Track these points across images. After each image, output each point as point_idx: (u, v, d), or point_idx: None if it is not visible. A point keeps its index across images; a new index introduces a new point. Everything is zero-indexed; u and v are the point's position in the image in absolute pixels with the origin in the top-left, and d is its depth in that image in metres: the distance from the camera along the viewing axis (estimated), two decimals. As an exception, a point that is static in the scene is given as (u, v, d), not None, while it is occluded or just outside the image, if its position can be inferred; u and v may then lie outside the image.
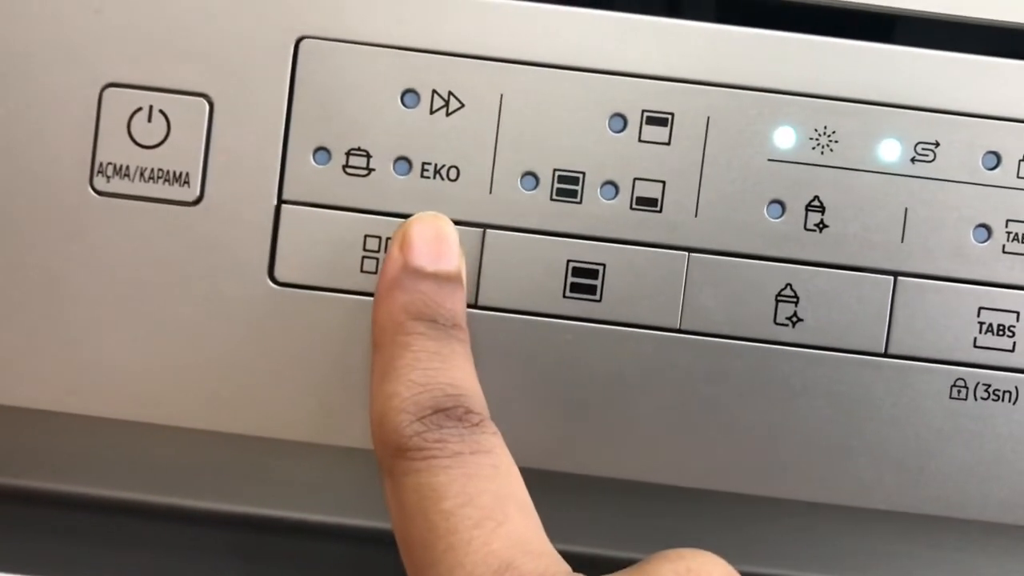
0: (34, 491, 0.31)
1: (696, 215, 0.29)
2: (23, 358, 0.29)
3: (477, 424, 0.25)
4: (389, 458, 0.25)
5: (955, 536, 0.31)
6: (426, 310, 0.27)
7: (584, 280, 0.30)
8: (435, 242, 0.28)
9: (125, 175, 0.29)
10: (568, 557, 0.31)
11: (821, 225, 0.29)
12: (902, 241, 0.29)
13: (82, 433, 0.30)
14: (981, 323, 0.30)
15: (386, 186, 0.29)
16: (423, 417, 0.25)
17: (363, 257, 0.29)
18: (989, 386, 0.30)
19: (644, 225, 0.29)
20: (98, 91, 0.29)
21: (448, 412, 0.25)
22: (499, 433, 0.26)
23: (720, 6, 0.31)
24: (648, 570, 0.23)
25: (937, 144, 0.29)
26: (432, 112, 0.29)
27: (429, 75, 0.29)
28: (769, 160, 0.29)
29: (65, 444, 0.31)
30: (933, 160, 0.29)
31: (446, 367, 0.26)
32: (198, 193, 0.29)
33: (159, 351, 0.29)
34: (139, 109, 0.29)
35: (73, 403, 0.30)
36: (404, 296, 0.27)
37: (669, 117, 0.29)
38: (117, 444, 0.31)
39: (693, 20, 0.29)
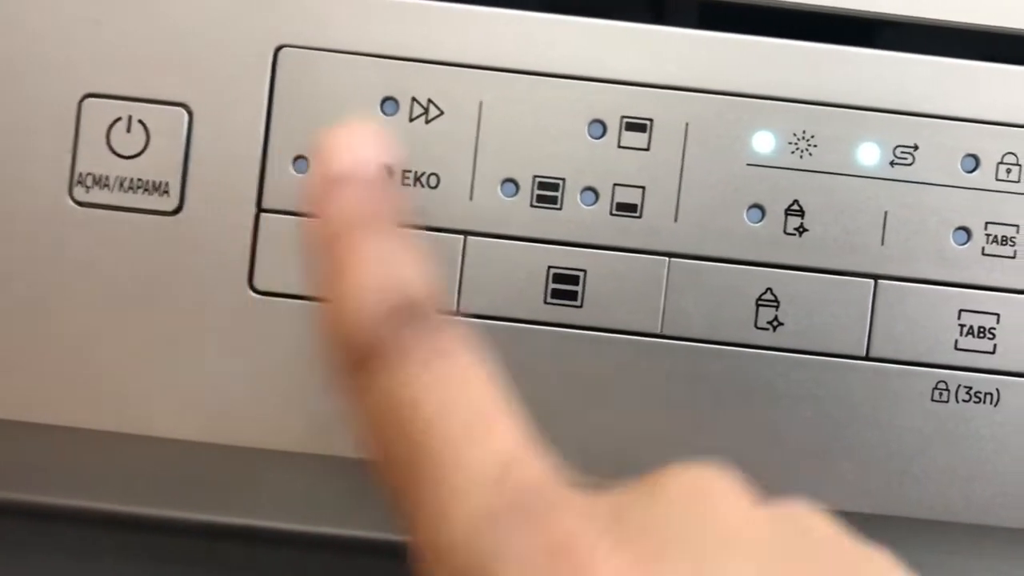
0: (16, 504, 0.31)
1: (676, 220, 0.29)
2: (3, 370, 0.29)
3: (440, 325, 0.22)
4: (350, 368, 0.22)
5: (939, 538, 0.31)
6: (366, 214, 0.23)
7: (565, 286, 0.30)
8: (352, 144, 0.24)
9: (105, 185, 0.29)
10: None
11: (801, 229, 0.29)
12: (882, 244, 0.29)
13: (64, 445, 0.30)
14: (962, 325, 0.30)
15: (366, 194, 0.29)
16: (380, 323, 0.21)
17: (343, 265, 0.29)
18: (970, 388, 0.30)
19: (624, 231, 0.29)
20: (77, 101, 0.29)
21: (407, 313, 0.22)
22: (463, 327, 0.23)
23: (699, 12, 0.31)
24: (656, 481, 0.22)
25: (916, 147, 0.29)
26: (412, 120, 0.29)
27: (408, 83, 0.29)
28: (748, 165, 0.29)
29: (46, 456, 0.31)
30: (912, 163, 0.29)
31: (397, 267, 0.23)
32: (177, 203, 0.29)
33: (139, 361, 0.29)
34: (118, 119, 0.29)
35: (54, 415, 0.29)
36: (335, 207, 0.23)
37: (648, 123, 0.29)
38: (99, 455, 0.30)
39: (672, 26, 0.29)
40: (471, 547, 0.20)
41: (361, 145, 0.24)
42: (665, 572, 0.19)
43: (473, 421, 0.21)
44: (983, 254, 0.29)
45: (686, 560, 0.19)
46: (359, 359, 0.22)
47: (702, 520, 0.21)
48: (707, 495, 0.21)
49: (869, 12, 0.30)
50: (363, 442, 0.22)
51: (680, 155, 0.29)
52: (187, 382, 0.29)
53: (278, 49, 0.29)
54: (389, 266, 0.23)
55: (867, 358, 0.30)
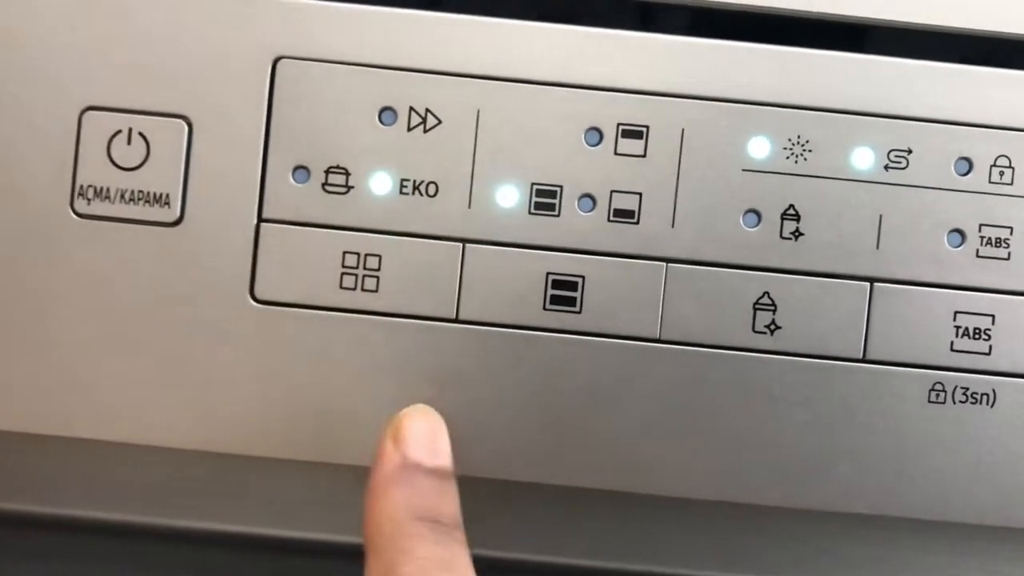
0: (17, 514, 0.31)
1: (673, 226, 0.30)
2: (5, 380, 0.30)
3: None
4: None
5: (937, 539, 0.31)
6: (429, 510, 0.26)
7: (564, 292, 0.30)
8: (430, 437, 0.28)
9: (106, 197, 0.30)
10: (555, 569, 0.32)
11: (797, 233, 0.30)
12: (877, 247, 0.30)
13: (66, 454, 0.30)
14: (957, 327, 0.30)
15: (365, 203, 0.29)
16: None
17: (342, 273, 0.29)
18: (967, 389, 0.30)
19: (622, 237, 0.30)
20: (77, 114, 0.29)
21: None
22: None
23: (693, 19, 0.31)
24: None
25: (910, 151, 0.30)
26: (410, 129, 0.30)
27: (406, 92, 0.29)
28: (744, 170, 0.30)
29: (48, 466, 0.31)
30: (906, 167, 0.30)
31: (454, 568, 0.25)
32: (178, 214, 0.30)
33: (142, 371, 0.30)
34: (119, 131, 0.29)
35: (57, 425, 0.30)
36: (402, 492, 0.26)
37: (644, 130, 0.30)
38: (102, 465, 0.31)
39: (666, 33, 0.30)
40: None
41: (442, 438, 0.28)
42: None
43: None
44: (978, 256, 0.30)
45: None
46: None
47: None
48: None
49: (861, 18, 0.30)
50: None
51: (676, 161, 0.30)
52: (190, 392, 0.30)
53: (276, 60, 0.29)
54: (441, 570, 0.25)
55: (864, 360, 0.30)
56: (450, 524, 0.27)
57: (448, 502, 0.27)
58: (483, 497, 0.29)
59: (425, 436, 0.28)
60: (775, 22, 0.30)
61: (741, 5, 0.30)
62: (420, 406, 0.29)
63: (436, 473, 0.27)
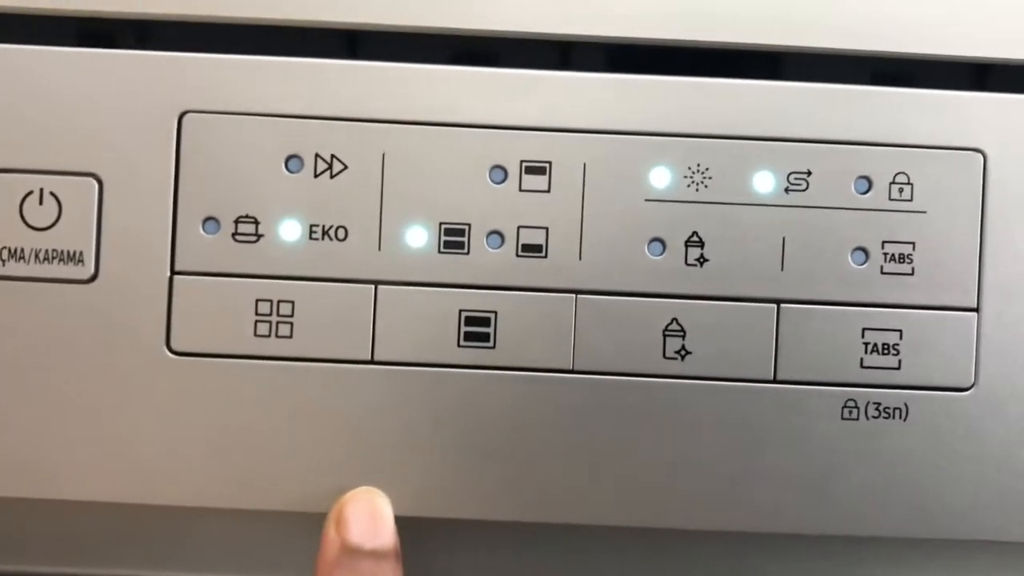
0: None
1: (580, 258, 0.30)
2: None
3: None
4: None
5: (858, 554, 0.32)
6: None
7: (477, 328, 0.30)
8: (370, 519, 0.29)
9: (20, 258, 0.30)
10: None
11: (702, 259, 0.30)
12: (782, 269, 0.30)
13: (-10, 514, 0.31)
14: (866, 343, 0.30)
15: (275, 250, 0.30)
16: None
17: (256, 321, 0.30)
18: (879, 404, 0.30)
19: (531, 271, 0.30)
20: (-11, 177, 0.30)
21: None
22: None
23: (603, 56, 0.31)
24: None
25: (809, 173, 0.30)
26: (316, 175, 0.30)
27: (311, 140, 0.30)
28: (647, 200, 0.30)
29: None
30: (807, 188, 0.30)
31: None
32: (92, 271, 0.30)
33: (62, 427, 0.30)
34: (30, 192, 0.30)
35: (-23, 486, 0.30)
36: (345, 573, 0.28)
37: (547, 165, 0.30)
38: (24, 522, 0.31)
39: (564, 70, 0.30)
40: None
41: (383, 519, 0.29)
42: None
43: None
44: (882, 272, 0.30)
45: None
46: None
47: None
48: None
49: (753, 44, 0.31)
50: None
51: (580, 195, 0.30)
52: (109, 445, 0.30)
53: (182, 115, 0.30)
54: None
55: (775, 381, 0.30)
56: None
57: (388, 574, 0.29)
58: (406, 536, 0.30)
59: (365, 518, 0.29)
60: (669, 53, 0.31)
61: (629, 38, 0.31)
62: (363, 489, 0.30)
63: (376, 555, 0.29)
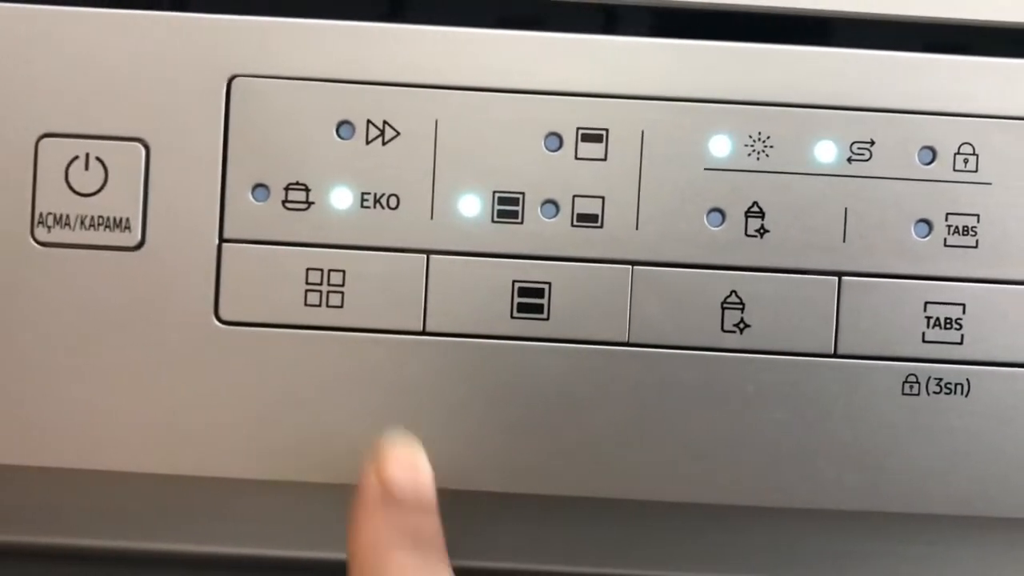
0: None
1: (637, 228, 0.29)
2: (-30, 414, 0.29)
3: None
4: None
5: (917, 531, 0.31)
6: (409, 537, 0.27)
7: (530, 300, 0.30)
8: (410, 466, 0.28)
9: (66, 224, 0.29)
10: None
11: (762, 230, 0.29)
12: (844, 241, 0.29)
13: (35, 484, 0.30)
14: (928, 318, 0.30)
15: (326, 219, 0.29)
16: None
17: (306, 291, 0.29)
18: (940, 380, 0.30)
19: (586, 241, 0.29)
20: (34, 141, 0.29)
21: None
22: None
23: (651, 20, 0.31)
24: None
25: (872, 142, 0.29)
26: (368, 142, 0.29)
27: (362, 106, 0.29)
28: (706, 169, 0.29)
29: (16, 496, 0.31)
30: (869, 159, 0.29)
31: None
32: (139, 238, 0.29)
33: (109, 399, 0.29)
34: (76, 157, 0.29)
35: (24, 455, 0.29)
36: (383, 522, 0.27)
37: (604, 133, 0.29)
38: (71, 493, 0.30)
39: (622, 35, 0.30)
40: None
41: (421, 467, 0.28)
42: None
43: None
44: (945, 245, 0.30)
45: None
46: None
47: None
48: None
49: (818, 10, 0.30)
50: None
51: (637, 163, 0.29)
52: (157, 416, 0.29)
53: (231, 79, 0.29)
54: None
55: (835, 355, 0.30)
56: (431, 549, 0.27)
57: (428, 528, 0.27)
58: (458, 510, 0.29)
59: (405, 465, 0.28)
60: (732, 19, 0.30)
61: (698, 4, 0.30)
62: (400, 433, 0.29)
63: (416, 501, 0.27)
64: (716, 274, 0.29)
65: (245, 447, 0.30)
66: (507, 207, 0.29)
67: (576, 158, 0.29)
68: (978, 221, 0.29)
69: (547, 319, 0.30)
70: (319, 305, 0.29)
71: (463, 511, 0.29)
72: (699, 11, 0.30)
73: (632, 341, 0.30)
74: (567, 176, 0.29)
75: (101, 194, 0.29)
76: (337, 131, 0.29)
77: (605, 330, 0.30)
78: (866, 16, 0.30)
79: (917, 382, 0.30)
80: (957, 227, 0.30)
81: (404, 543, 0.26)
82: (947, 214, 0.29)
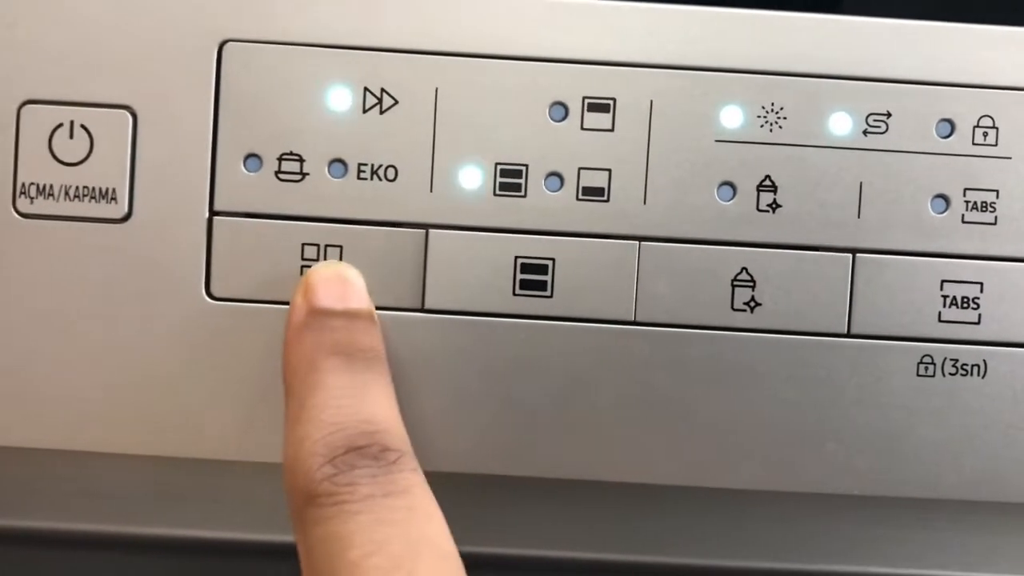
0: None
1: (645, 202, 0.28)
2: (-51, 392, 0.28)
3: (394, 462, 0.24)
4: (299, 507, 0.23)
5: (931, 515, 0.30)
6: (340, 345, 0.26)
7: (534, 276, 0.29)
8: (339, 283, 0.27)
9: (49, 195, 0.28)
10: (531, 561, 0.31)
11: (774, 205, 0.28)
12: (859, 216, 0.28)
13: (18, 465, 0.29)
14: (945, 296, 0.29)
15: (322, 190, 0.28)
16: (335, 458, 0.23)
17: (302, 266, 0.28)
18: (956, 361, 0.29)
19: (592, 216, 0.28)
20: (16, 108, 0.28)
21: (362, 450, 0.23)
22: (419, 470, 0.24)
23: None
24: None
25: (889, 114, 0.28)
26: (365, 111, 0.28)
27: (360, 72, 0.28)
28: (716, 141, 0.28)
29: (1, 478, 0.30)
30: (886, 131, 0.28)
31: (362, 402, 0.25)
32: (126, 209, 0.28)
33: (95, 376, 0.28)
34: (60, 125, 0.28)
35: (6, 436, 0.28)
36: (312, 336, 0.26)
37: (611, 103, 0.28)
38: (55, 474, 0.29)
39: (630, 1, 0.28)
40: None
41: (353, 284, 0.27)
42: None
43: (391, 569, 0.21)
44: (963, 222, 0.29)
45: None
46: (310, 496, 0.23)
47: None
48: None
49: (834, -23, 0.29)
50: (302, 568, 0.23)
51: (646, 134, 0.28)
52: (146, 395, 0.28)
53: (222, 44, 0.28)
54: (354, 394, 0.25)
55: (849, 335, 0.29)
56: (364, 356, 0.26)
57: (363, 336, 0.26)
58: (458, 493, 0.28)
59: (333, 283, 0.27)
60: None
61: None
62: (330, 260, 0.28)
63: (348, 314, 0.27)
64: (726, 250, 0.28)
65: (236, 428, 0.29)
66: (510, 180, 0.28)
67: (582, 129, 0.28)
68: (997, 197, 0.29)
69: (551, 296, 0.29)
70: (314, 281, 0.28)
71: (461, 494, 0.28)
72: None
73: (639, 320, 0.29)
74: (572, 147, 0.28)
75: (86, 164, 0.28)
76: (333, 99, 0.28)
77: (611, 308, 0.29)
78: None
79: (932, 363, 0.29)
80: (975, 203, 0.29)
81: (335, 350, 0.26)
82: (965, 189, 0.28)
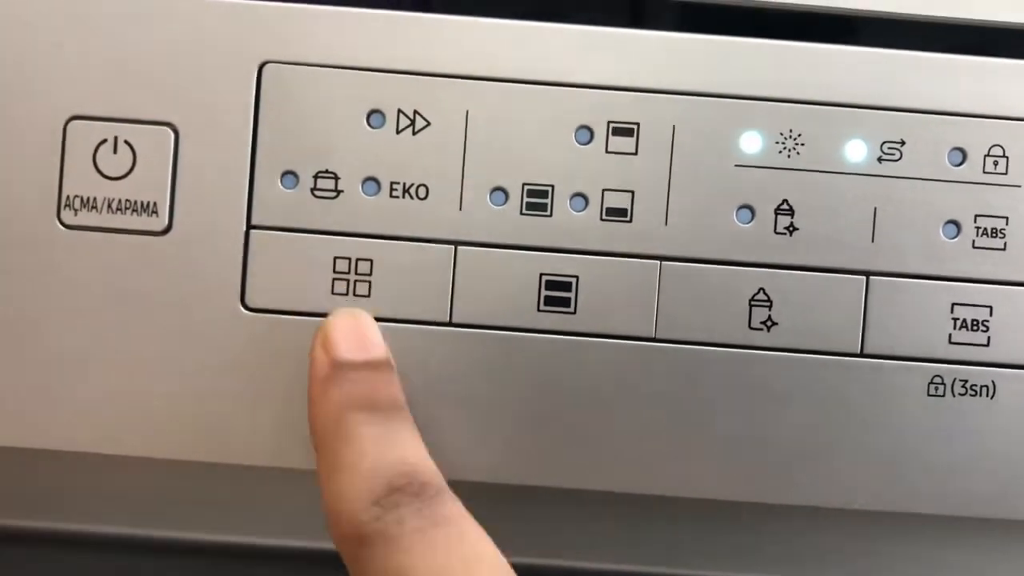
0: (9, 529, 0.31)
1: (666, 223, 0.29)
2: (-5, 395, 0.29)
3: (434, 496, 0.25)
4: (352, 550, 0.24)
5: (940, 533, 0.31)
6: (364, 399, 0.27)
7: (558, 293, 0.30)
8: (356, 333, 0.28)
9: (92, 207, 0.29)
10: (553, 571, 0.31)
11: (791, 228, 0.29)
12: (872, 241, 0.29)
13: (58, 470, 0.30)
14: (955, 319, 0.30)
15: (355, 207, 0.29)
16: (379, 499, 0.24)
17: (334, 279, 0.29)
18: (966, 382, 0.30)
19: (615, 235, 0.29)
20: (62, 124, 0.29)
21: (403, 489, 0.25)
22: (458, 500, 0.25)
23: (681, 14, 0.31)
24: None
25: (903, 143, 0.29)
26: (399, 131, 0.29)
27: (394, 95, 0.29)
28: (736, 165, 0.29)
29: (41, 481, 0.30)
30: (900, 159, 0.29)
31: (393, 448, 0.26)
32: (167, 222, 0.29)
33: (132, 383, 0.29)
34: (104, 141, 0.29)
35: (46, 439, 0.29)
36: (337, 390, 0.27)
37: (635, 127, 0.29)
38: (93, 479, 0.30)
39: (654, 30, 0.29)
40: None
41: (370, 331, 0.28)
42: None
43: None
44: (973, 247, 0.30)
45: None
46: (361, 538, 0.24)
47: None
48: None
49: (850, 9, 0.30)
50: None
51: (668, 158, 0.29)
52: (181, 402, 0.29)
53: (262, 65, 0.29)
54: (385, 443, 0.26)
55: (862, 355, 0.30)
56: (388, 406, 0.27)
57: (384, 388, 0.28)
58: (483, 502, 0.29)
59: (352, 334, 0.28)
60: (764, 16, 0.30)
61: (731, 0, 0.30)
62: (345, 308, 0.29)
63: (368, 366, 0.28)
64: (744, 271, 0.29)
65: (269, 435, 0.30)
66: (536, 199, 0.29)
67: (606, 152, 0.29)
68: (1007, 224, 0.29)
69: (574, 313, 0.30)
70: (346, 294, 0.29)
71: (486, 504, 0.29)
72: (726, 7, 0.30)
73: (659, 337, 0.29)
74: (597, 170, 0.29)
75: (129, 178, 0.29)
76: (368, 120, 0.29)
77: (632, 325, 0.29)
78: (897, 16, 0.30)
79: (943, 383, 0.30)
80: (985, 229, 0.29)
81: (361, 405, 0.27)
82: (976, 216, 0.29)
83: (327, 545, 0.30)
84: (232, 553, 0.31)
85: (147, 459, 0.29)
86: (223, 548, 0.31)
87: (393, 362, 0.29)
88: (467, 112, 0.29)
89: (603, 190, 0.29)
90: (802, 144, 0.29)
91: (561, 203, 0.29)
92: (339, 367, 0.27)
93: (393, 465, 0.25)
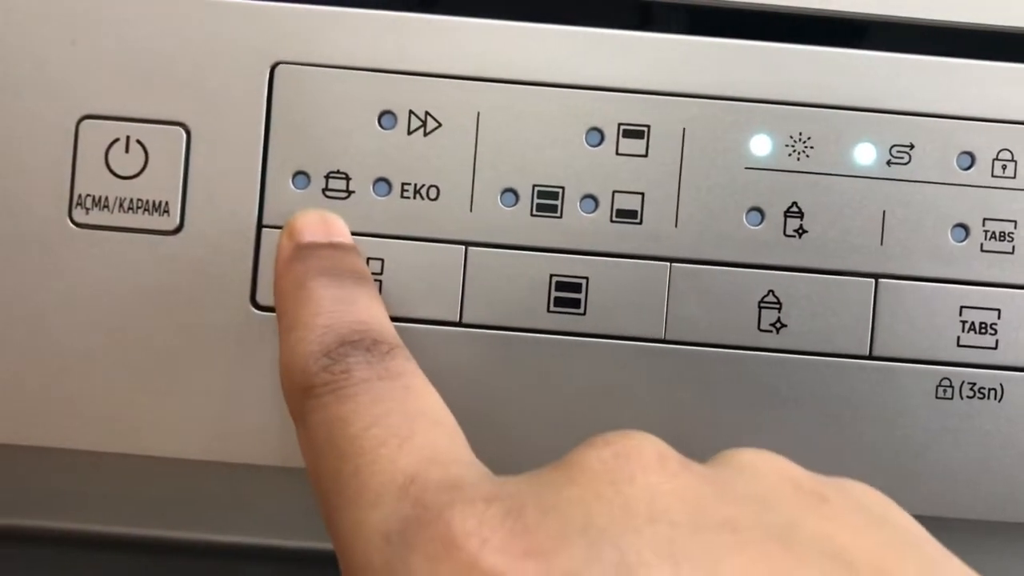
0: (18, 528, 0.31)
1: (676, 225, 0.29)
2: (5, 392, 0.29)
3: (386, 352, 0.24)
4: (298, 402, 0.24)
5: (947, 535, 0.31)
6: (327, 268, 0.27)
7: (568, 294, 0.30)
8: (322, 224, 0.28)
9: (104, 206, 0.29)
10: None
11: (800, 231, 0.30)
12: (881, 244, 0.30)
13: (67, 467, 0.30)
14: (964, 322, 0.30)
15: (366, 208, 0.29)
16: (329, 352, 0.24)
17: (346, 279, 0.29)
18: (974, 384, 0.30)
19: (625, 237, 0.30)
20: (75, 123, 0.29)
21: (355, 343, 0.24)
22: (413, 359, 0.25)
23: (692, 18, 0.31)
24: (573, 461, 0.21)
25: (912, 146, 0.30)
26: (410, 133, 0.29)
27: (405, 96, 0.29)
28: (746, 168, 0.29)
29: (50, 479, 0.31)
30: (908, 162, 0.30)
31: (350, 308, 0.25)
32: (178, 222, 0.29)
33: (143, 381, 0.29)
34: (116, 140, 0.29)
35: (57, 437, 0.29)
36: (301, 264, 0.27)
37: (645, 129, 0.29)
38: (102, 477, 0.30)
39: (665, 32, 0.30)
40: (377, 558, 0.20)
41: (336, 223, 0.28)
42: (557, 561, 0.18)
43: (389, 437, 0.22)
44: (982, 250, 0.30)
45: (583, 543, 0.19)
46: (308, 388, 0.24)
47: (614, 495, 0.20)
48: (626, 467, 0.21)
49: (860, 13, 0.30)
50: (306, 466, 0.24)
51: (678, 160, 0.29)
52: (191, 400, 0.29)
53: (275, 66, 0.29)
54: (343, 303, 0.26)
55: (870, 357, 0.30)
56: (351, 274, 0.27)
57: (350, 260, 0.27)
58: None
59: (318, 225, 0.28)
60: (774, 19, 0.30)
61: (741, 3, 0.30)
62: (312, 208, 0.29)
63: (332, 246, 0.28)
64: (754, 273, 0.29)
65: (279, 434, 0.30)
66: (546, 201, 0.29)
67: (617, 153, 0.29)
68: (1015, 227, 0.30)
69: (584, 314, 0.30)
70: (357, 294, 0.29)
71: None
72: (736, 10, 0.30)
73: (668, 338, 0.30)
74: (607, 171, 0.29)
75: (141, 177, 0.29)
76: (379, 121, 0.29)
77: (641, 326, 0.30)
78: (906, 20, 0.30)
79: (951, 386, 0.30)
80: (994, 232, 0.30)
81: (323, 271, 0.26)
82: (984, 219, 0.30)
83: (329, 545, 0.31)
84: (233, 553, 0.31)
85: (157, 458, 0.29)
86: (224, 548, 0.31)
87: (360, 251, 0.28)
88: (478, 113, 0.29)
89: (613, 192, 0.29)
90: (811, 147, 0.29)
91: (571, 204, 0.29)
92: (303, 247, 0.27)
93: (348, 324, 0.25)
